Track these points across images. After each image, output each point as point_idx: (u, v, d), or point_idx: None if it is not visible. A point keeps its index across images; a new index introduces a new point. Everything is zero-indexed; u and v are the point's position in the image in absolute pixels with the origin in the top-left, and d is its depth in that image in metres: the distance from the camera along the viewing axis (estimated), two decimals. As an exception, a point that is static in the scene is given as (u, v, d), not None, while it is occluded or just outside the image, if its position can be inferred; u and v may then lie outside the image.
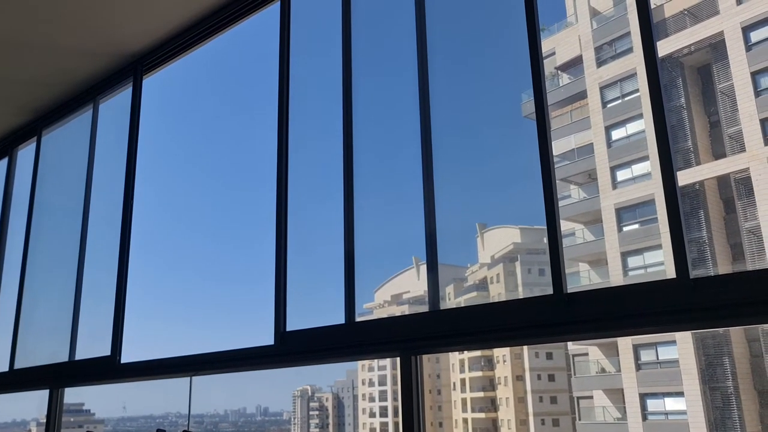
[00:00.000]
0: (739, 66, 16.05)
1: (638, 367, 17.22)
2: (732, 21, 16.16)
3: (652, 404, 16.99)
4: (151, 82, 5.02)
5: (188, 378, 4.22)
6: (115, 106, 5.30)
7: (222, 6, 4.41)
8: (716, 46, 16.64)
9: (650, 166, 17.15)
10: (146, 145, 4.91)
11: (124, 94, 5.14)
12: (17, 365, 5.45)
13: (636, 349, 17.21)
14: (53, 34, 4.66)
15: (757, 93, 15.86)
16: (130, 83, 5.05)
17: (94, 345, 4.78)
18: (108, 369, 4.55)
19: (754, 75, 15.87)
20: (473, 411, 25.19)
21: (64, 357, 4.96)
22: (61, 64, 5.08)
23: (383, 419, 26.80)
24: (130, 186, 4.80)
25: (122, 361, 4.51)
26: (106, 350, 4.57)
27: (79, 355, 4.91)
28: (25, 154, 6.28)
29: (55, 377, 4.98)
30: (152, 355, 4.39)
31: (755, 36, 15.89)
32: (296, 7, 4.09)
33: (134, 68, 5.01)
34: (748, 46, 15.96)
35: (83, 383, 4.94)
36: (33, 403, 5.34)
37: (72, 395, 5.07)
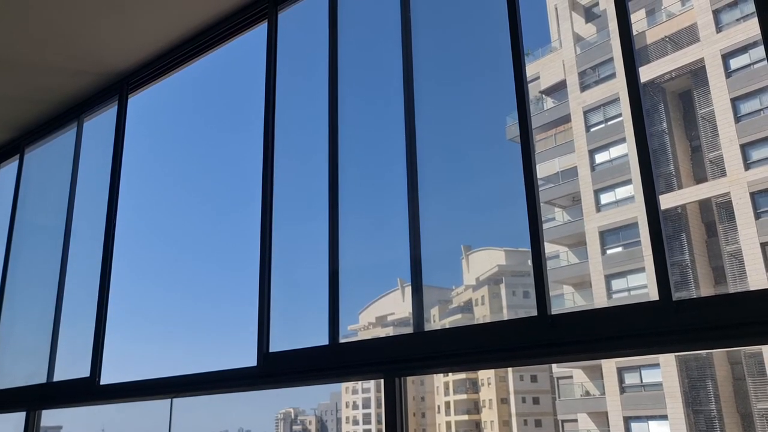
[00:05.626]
0: (719, 92, 16.34)
1: (622, 390, 17.23)
2: (712, 48, 16.49)
3: (637, 428, 16.97)
4: (136, 101, 5.01)
5: (169, 400, 4.16)
6: (99, 124, 5.27)
7: (209, 26, 4.43)
8: (697, 73, 16.95)
9: (633, 189, 17.34)
10: (130, 164, 4.88)
11: (109, 113, 5.12)
12: (-7, 387, 5.34)
13: (620, 371, 17.23)
14: (38, 51, 4.65)
15: (737, 118, 16.14)
16: (115, 102, 5.03)
17: (73, 366, 4.70)
18: (87, 391, 4.47)
19: (734, 101, 16.16)
20: (458, 434, 25.00)
21: (42, 378, 4.87)
22: (45, 81, 5.06)
23: (367, 443, 26.52)
24: (113, 205, 4.76)
25: (102, 383, 4.43)
26: (85, 371, 4.49)
27: (58, 377, 4.82)
28: (7, 171, 6.22)
29: (32, 399, 4.88)
30: (132, 376, 4.32)
31: (735, 63, 16.22)
32: (283, 27, 4.12)
33: (119, 87, 5.00)
34: (728, 73, 16.28)
35: (61, 405, 4.84)
36: (8, 426, 5.22)
37: (49, 418, 4.97)
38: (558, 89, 20.02)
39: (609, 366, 17.34)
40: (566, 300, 18.97)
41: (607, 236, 18.01)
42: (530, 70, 19.71)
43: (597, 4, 19.89)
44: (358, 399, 27.11)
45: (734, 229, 15.81)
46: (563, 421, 19.80)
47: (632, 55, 2.66)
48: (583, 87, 19.08)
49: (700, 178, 16.99)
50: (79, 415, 5.01)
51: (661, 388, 16.52)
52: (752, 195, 15.59)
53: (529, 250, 2.74)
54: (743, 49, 15.99)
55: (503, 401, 23.58)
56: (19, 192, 5.81)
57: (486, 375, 24.11)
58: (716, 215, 16.44)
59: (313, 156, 3.80)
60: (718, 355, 16.03)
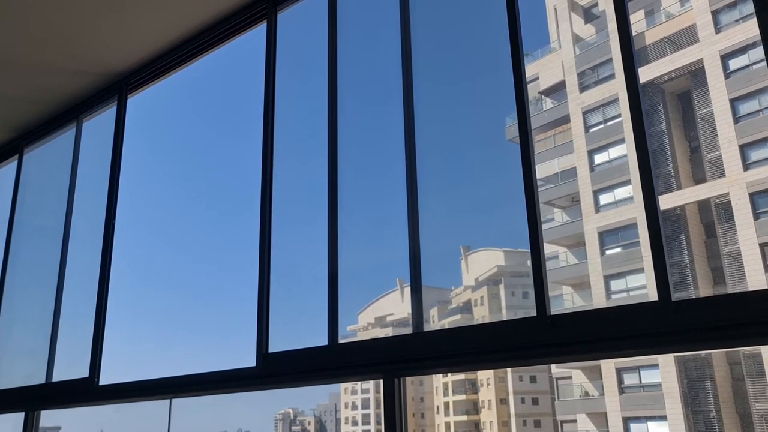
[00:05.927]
0: (718, 93, 16.35)
1: (621, 390, 17.22)
2: (711, 49, 16.49)
3: (636, 428, 16.97)
4: (135, 101, 5.01)
5: (168, 400, 4.15)
6: (98, 124, 5.27)
7: (209, 26, 4.43)
8: (696, 73, 16.96)
9: (632, 190, 17.35)
10: (129, 165, 4.88)
11: (108, 113, 5.11)
12: (-8, 387, 5.34)
13: (619, 372, 17.23)
14: (38, 52, 4.64)
15: (736, 119, 16.15)
16: (115, 102, 5.03)
17: (72, 367, 4.70)
18: (86, 391, 4.47)
19: (733, 102, 16.17)
20: (457, 435, 24.99)
21: (41, 379, 4.87)
22: (45, 81, 5.06)
23: (366, 443, 26.50)
24: (113, 205, 4.76)
25: (101, 383, 4.43)
26: (84, 372, 4.49)
27: (57, 377, 4.82)
28: (6, 172, 6.22)
29: (31, 399, 4.88)
30: (132, 377, 4.32)
31: (734, 64, 16.22)
32: (282, 28, 4.12)
33: (119, 87, 5.00)
34: (727, 74, 16.28)
35: (60, 406, 4.84)
36: (7, 427, 5.22)
37: (48, 418, 4.97)
38: (557, 90, 20.02)
39: (608, 366, 17.34)
40: (565, 300, 18.97)
41: (606, 237, 18.02)
42: (529, 70, 19.74)
43: (596, 4, 19.90)
44: (357, 399, 27.09)
45: (733, 230, 15.82)
46: (562, 422, 19.80)
47: (631, 56, 2.66)
48: (582, 88, 19.08)
49: (699, 179, 16.99)
50: (78, 416, 5.01)
51: (660, 388, 16.53)
52: (751, 196, 15.59)
53: (529, 250, 2.75)
54: (742, 50, 15.99)
55: (502, 402, 23.57)
56: (18, 192, 5.80)
57: (485, 375, 24.11)
58: (715, 216, 16.44)
59: (312, 156, 3.80)
60: (717, 355, 16.03)
